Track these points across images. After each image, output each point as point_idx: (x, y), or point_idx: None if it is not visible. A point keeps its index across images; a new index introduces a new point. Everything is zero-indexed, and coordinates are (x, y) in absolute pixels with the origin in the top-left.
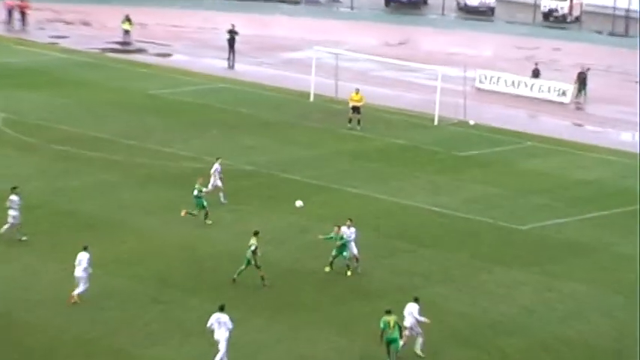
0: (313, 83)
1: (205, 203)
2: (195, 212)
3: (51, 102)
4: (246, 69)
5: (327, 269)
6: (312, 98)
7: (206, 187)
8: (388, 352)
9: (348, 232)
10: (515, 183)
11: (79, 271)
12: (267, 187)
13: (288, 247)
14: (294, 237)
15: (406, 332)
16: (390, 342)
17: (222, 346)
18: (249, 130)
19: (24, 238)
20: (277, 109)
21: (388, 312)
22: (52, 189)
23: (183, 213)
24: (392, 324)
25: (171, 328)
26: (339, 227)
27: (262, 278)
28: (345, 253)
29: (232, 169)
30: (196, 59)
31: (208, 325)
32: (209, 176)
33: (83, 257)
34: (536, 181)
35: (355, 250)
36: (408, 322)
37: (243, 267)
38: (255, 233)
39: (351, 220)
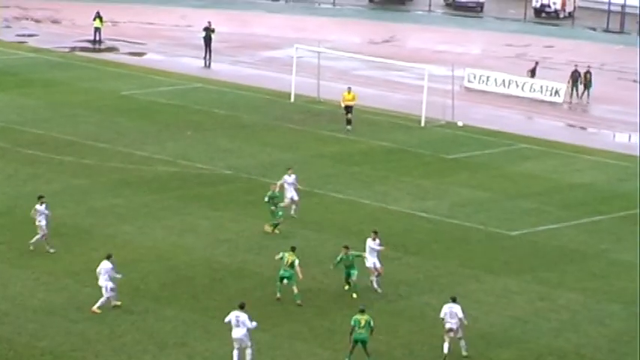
0: (294, 83)
1: (281, 213)
2: (275, 221)
3: (18, 103)
4: (223, 68)
5: (355, 296)
6: (292, 99)
7: (280, 196)
8: (351, 352)
9: (373, 244)
10: (505, 187)
11: (102, 281)
12: (246, 192)
13: (269, 255)
14: (276, 244)
15: (451, 334)
16: (360, 342)
17: (248, 352)
18: (226, 132)
19: (52, 250)
20: (256, 110)
21: (362, 311)
22: (19, 194)
23: (269, 230)
24: (363, 323)
25: (145, 339)
26: (347, 248)
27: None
28: (353, 272)
29: (209, 174)
30: (171, 58)
31: (226, 320)
32: (281, 187)
33: (105, 266)
34: (527, 184)
35: (379, 264)
36: (454, 324)
37: (293, 288)
38: (293, 249)
39: (376, 232)
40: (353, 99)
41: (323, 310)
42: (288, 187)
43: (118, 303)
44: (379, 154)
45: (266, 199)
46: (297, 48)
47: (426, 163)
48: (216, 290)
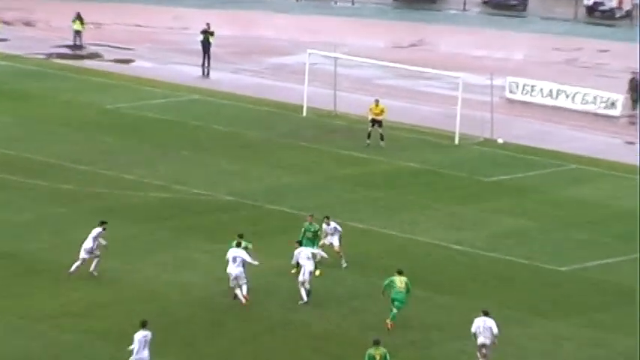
0: (306, 94)
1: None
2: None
3: None
4: (225, 77)
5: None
6: (304, 112)
7: (315, 229)
8: None
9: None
10: (553, 214)
11: (232, 268)
12: (251, 222)
13: (278, 296)
14: (286, 283)
15: (484, 351)
16: None
17: None
18: (228, 152)
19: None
20: (262, 126)
21: (376, 343)
22: None
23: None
24: (378, 359)
25: None
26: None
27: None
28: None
29: (208, 200)
30: (163, 66)
31: (135, 346)
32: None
33: (238, 253)
34: (579, 211)
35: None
36: (488, 340)
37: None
38: (240, 237)
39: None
40: (381, 112)
41: (339, 358)
42: (328, 234)
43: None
44: (406, 176)
45: (301, 234)
46: (309, 53)
47: (461, 186)
48: (216, 335)
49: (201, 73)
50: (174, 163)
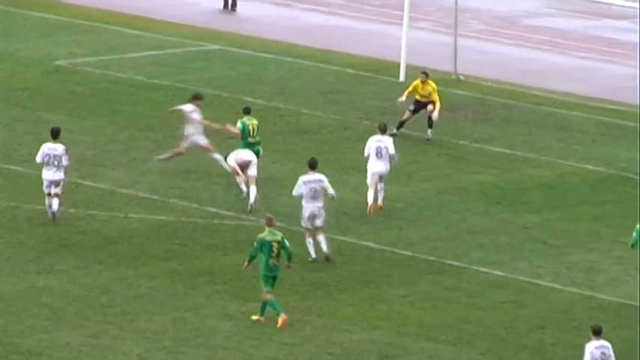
0: (405, 44)
1: None
2: None
3: None
4: (263, 12)
5: None
6: (402, 76)
7: None
8: None
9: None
10: None
11: None
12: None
13: None
14: None
15: None
16: None
17: None
18: (270, 143)
19: None
20: (328, 99)
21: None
22: None
23: None
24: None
25: None
26: None
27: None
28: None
29: (233, 227)
30: None
31: None
32: None
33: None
34: None
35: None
36: None
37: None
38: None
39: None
40: (430, 94)
41: None
42: None
43: None
44: (580, 187)
45: None
46: None
47: None
48: None
49: (222, 4)
50: (174, 162)
